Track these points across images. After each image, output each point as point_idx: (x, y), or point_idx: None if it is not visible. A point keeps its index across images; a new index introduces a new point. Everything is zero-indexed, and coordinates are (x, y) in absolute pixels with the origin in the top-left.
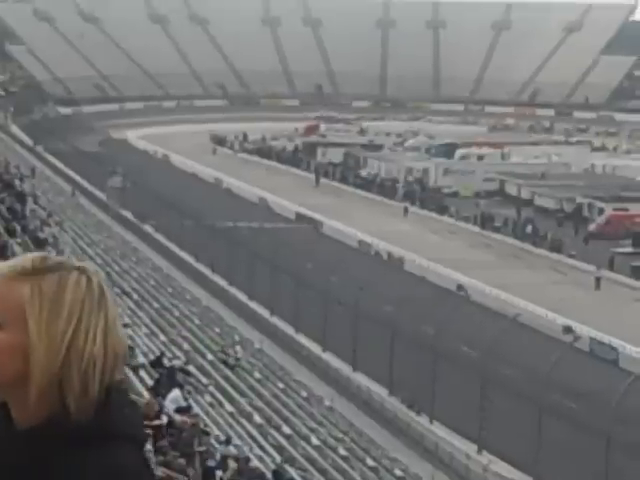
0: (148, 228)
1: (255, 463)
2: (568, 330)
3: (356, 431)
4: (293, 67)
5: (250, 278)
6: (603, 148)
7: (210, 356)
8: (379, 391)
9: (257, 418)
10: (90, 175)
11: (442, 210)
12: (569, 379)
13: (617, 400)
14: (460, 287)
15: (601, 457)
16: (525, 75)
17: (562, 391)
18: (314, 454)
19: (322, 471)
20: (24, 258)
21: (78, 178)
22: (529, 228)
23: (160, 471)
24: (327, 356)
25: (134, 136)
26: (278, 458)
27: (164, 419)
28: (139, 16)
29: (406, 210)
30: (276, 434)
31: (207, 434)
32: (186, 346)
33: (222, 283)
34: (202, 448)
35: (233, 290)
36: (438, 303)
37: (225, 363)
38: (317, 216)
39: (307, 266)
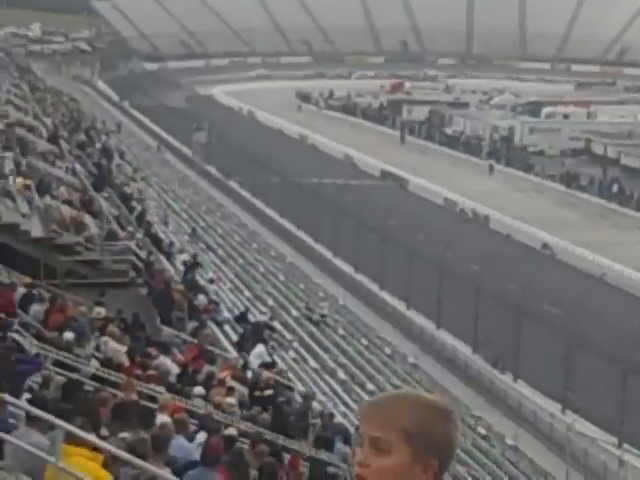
0: (233, 184)
1: (339, 419)
2: None
3: (440, 388)
4: (378, 23)
5: (335, 235)
6: None
7: (295, 312)
8: (463, 349)
9: (341, 374)
10: (176, 130)
11: (527, 168)
12: None
13: None
14: (545, 246)
15: None
16: (612, 33)
17: None
18: None
19: None
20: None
21: (164, 134)
22: (615, 187)
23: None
24: (411, 313)
25: (219, 92)
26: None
27: (248, 374)
28: None
29: (491, 168)
30: (360, 391)
31: (291, 390)
32: (271, 302)
33: (307, 240)
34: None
35: (318, 247)
36: (523, 261)
37: (309, 319)
38: (402, 173)
39: (392, 223)
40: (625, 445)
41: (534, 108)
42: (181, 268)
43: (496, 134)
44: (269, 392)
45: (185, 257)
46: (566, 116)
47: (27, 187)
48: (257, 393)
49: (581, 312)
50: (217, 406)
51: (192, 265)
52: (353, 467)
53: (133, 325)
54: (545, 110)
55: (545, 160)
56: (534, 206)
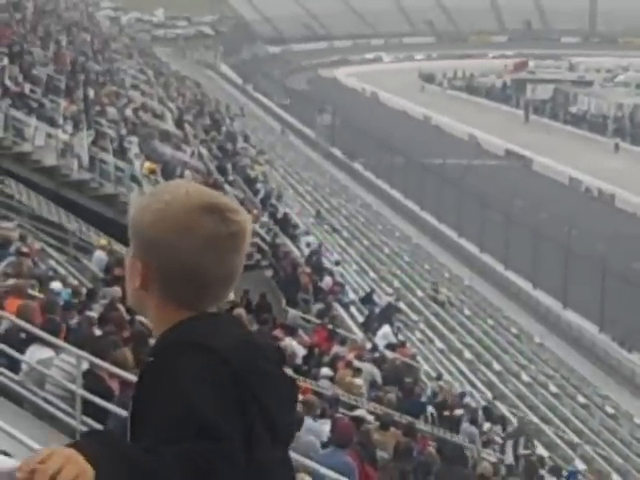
0: (357, 165)
1: (466, 399)
2: None
3: (567, 368)
4: (501, 3)
5: (459, 215)
6: None
7: (420, 293)
8: (590, 328)
9: (467, 354)
10: (300, 113)
11: None
12: None
13: None
14: None
15: None
16: None
17: None
18: (524, 391)
19: (532, 408)
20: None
21: (287, 116)
22: None
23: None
24: (537, 293)
25: (343, 74)
26: (489, 394)
27: (376, 355)
28: None
29: (617, 146)
30: (486, 370)
31: (418, 370)
32: (396, 283)
33: (431, 220)
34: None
35: (442, 227)
36: None
37: (435, 300)
38: (527, 153)
39: (517, 203)
40: None
41: None
42: (306, 250)
43: (621, 112)
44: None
45: (310, 239)
46: None
47: (153, 171)
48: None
49: None
50: (344, 387)
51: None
52: None
53: (259, 307)
54: None
55: None
56: None
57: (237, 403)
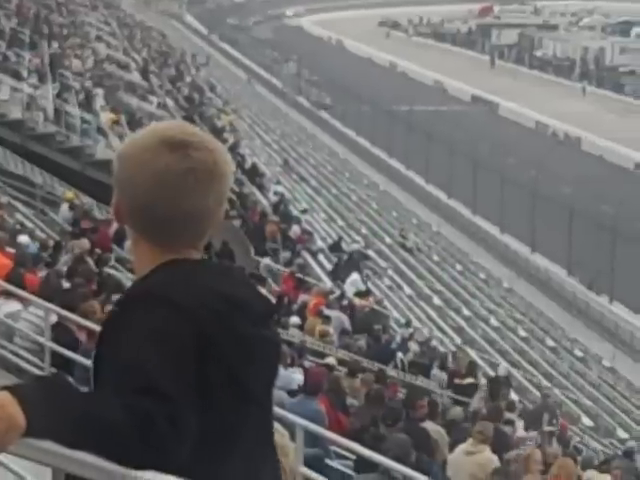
0: (324, 114)
1: (435, 344)
2: None
3: (535, 312)
4: None
5: (426, 161)
6: None
7: (388, 240)
8: (558, 272)
9: (436, 300)
10: (265, 62)
11: (619, 89)
12: None
13: None
14: (638, 166)
15: None
16: None
17: None
18: (493, 335)
19: (501, 352)
20: None
21: (253, 66)
22: None
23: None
24: (505, 237)
25: (308, 22)
26: (458, 340)
27: (345, 302)
28: None
29: (584, 90)
30: (455, 316)
31: (387, 317)
32: (364, 230)
33: (399, 167)
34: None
35: (410, 174)
36: (616, 182)
37: (403, 247)
38: (493, 98)
39: (483, 148)
40: None
41: (624, 28)
42: (274, 199)
43: (586, 55)
44: (470, 380)
45: (278, 188)
46: None
47: (116, 122)
48: (457, 381)
49: None
50: (313, 335)
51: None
52: None
53: (220, 255)
54: (636, 30)
55: (637, 80)
56: (626, 126)
57: (199, 363)
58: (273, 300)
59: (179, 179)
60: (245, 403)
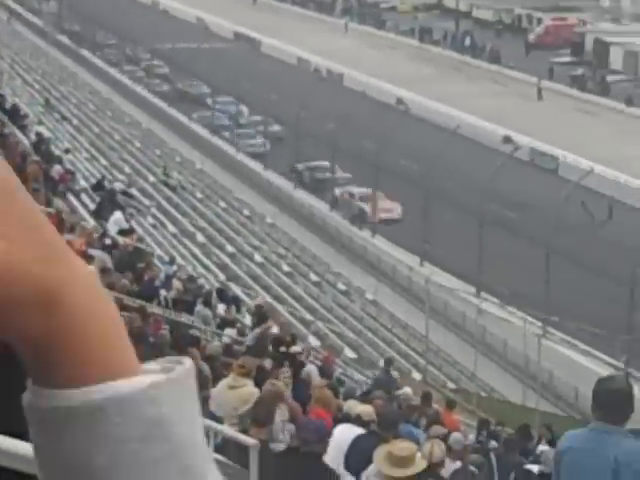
0: (85, 52)
1: (200, 282)
2: (508, 140)
3: (299, 247)
4: None
5: (189, 99)
6: None
7: (152, 178)
8: (321, 207)
9: (200, 238)
10: (26, 1)
11: (381, 25)
12: (509, 189)
13: (556, 208)
14: (400, 101)
15: (541, 265)
16: None
17: (503, 201)
18: (258, 271)
19: (266, 287)
20: None
21: (12, 4)
22: (468, 40)
23: None
24: (268, 174)
25: None
26: (222, 276)
27: (107, 241)
28: None
29: (346, 26)
30: (219, 252)
31: (151, 255)
32: (127, 169)
33: (162, 105)
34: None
35: (173, 112)
36: (378, 118)
37: (167, 184)
38: (255, 35)
39: (246, 86)
40: (483, 294)
41: None
42: (35, 139)
43: None
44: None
45: (40, 129)
46: None
47: None
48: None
49: (437, 165)
50: None
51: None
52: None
53: None
54: None
55: (398, 16)
56: (388, 62)
57: None
58: None
59: None
60: None
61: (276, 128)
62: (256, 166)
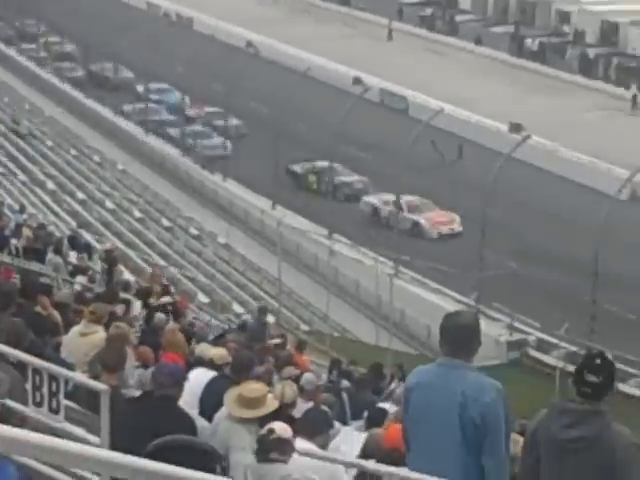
0: None
1: (50, 229)
2: (357, 81)
3: (150, 193)
4: None
5: (38, 45)
6: None
7: (1, 127)
8: (173, 153)
9: (50, 185)
10: None
11: None
12: (361, 130)
13: (407, 148)
14: (249, 44)
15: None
16: None
17: (354, 142)
18: (109, 218)
19: (117, 234)
20: None
21: None
22: None
23: None
24: (119, 120)
25: None
26: (73, 224)
27: None
28: None
29: None
30: (70, 200)
31: (0, 204)
32: None
33: (11, 53)
34: None
35: (22, 60)
36: (228, 61)
37: (16, 132)
38: None
39: (96, 29)
40: (335, 235)
41: None
42: None
43: None
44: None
45: None
46: None
47: None
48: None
49: (287, 107)
50: None
51: None
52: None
53: None
54: None
55: None
56: (237, 6)
57: None
58: None
59: None
60: None
61: (129, 74)
62: (106, 112)
